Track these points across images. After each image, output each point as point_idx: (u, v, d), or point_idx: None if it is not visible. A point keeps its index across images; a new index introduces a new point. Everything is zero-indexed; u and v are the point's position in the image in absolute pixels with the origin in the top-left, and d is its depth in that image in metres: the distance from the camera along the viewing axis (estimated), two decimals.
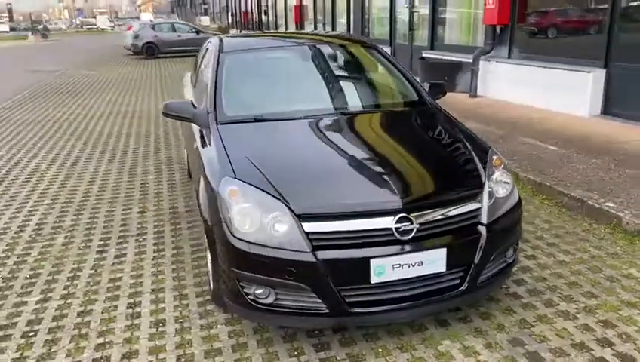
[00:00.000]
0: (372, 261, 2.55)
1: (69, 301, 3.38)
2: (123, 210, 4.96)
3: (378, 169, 2.97)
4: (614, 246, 3.84)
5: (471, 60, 9.34)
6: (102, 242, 4.25)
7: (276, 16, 25.16)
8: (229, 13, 38.29)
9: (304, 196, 2.69)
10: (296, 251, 2.56)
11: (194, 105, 3.67)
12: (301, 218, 2.59)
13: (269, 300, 2.66)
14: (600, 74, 7.10)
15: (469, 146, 3.21)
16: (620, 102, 6.99)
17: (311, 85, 3.98)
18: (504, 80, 8.78)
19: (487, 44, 9.15)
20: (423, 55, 10.80)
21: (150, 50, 23.14)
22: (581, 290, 3.28)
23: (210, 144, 3.30)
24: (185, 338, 2.95)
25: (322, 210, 2.63)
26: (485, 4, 8.81)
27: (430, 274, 2.66)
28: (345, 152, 3.15)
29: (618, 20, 6.88)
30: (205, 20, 47.26)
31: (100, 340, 2.95)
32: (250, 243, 2.62)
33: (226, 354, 2.79)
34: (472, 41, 10.04)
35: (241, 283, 2.69)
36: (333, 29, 16.89)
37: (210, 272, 3.08)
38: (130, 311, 3.24)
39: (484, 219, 2.79)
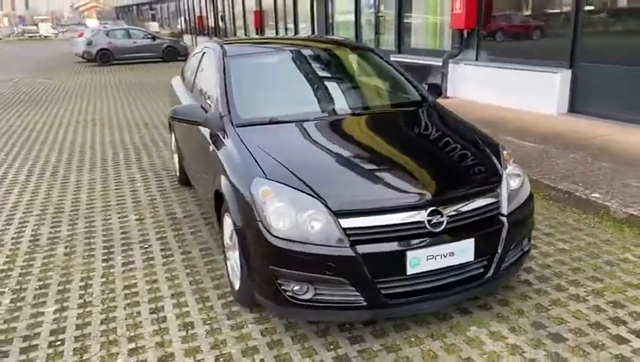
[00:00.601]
0: (408, 253, 2.67)
1: (88, 309, 3.34)
2: (119, 218, 4.90)
3: (403, 165, 3.09)
4: (605, 234, 4.10)
5: (439, 63, 9.64)
6: (105, 250, 4.20)
7: (234, 22, 25.04)
8: (182, 19, 37.79)
9: (339, 193, 2.78)
10: (336, 247, 2.64)
11: (204, 110, 3.69)
12: (338, 214, 2.68)
13: (308, 296, 2.73)
14: (566, 74, 7.49)
15: (480, 142, 3.39)
16: (585, 100, 7.39)
17: (318, 87, 4.08)
18: (473, 81, 9.11)
19: (454, 48, 9.47)
20: (392, 59, 11.03)
21: (105, 57, 22.65)
22: (585, 275, 3.49)
23: (229, 147, 3.34)
24: (218, 338, 2.98)
25: (358, 206, 2.73)
26: (453, 10, 9.13)
27: (459, 264, 2.80)
28: (367, 150, 3.26)
29: (581, 24, 7.27)
30: (154, 26, 46.40)
31: (132, 345, 2.95)
32: (289, 240, 2.68)
33: (263, 352, 2.84)
34: (439, 45, 10.35)
35: (278, 281, 2.75)
36: (296, 33, 16.99)
37: (238, 273, 3.12)
38: (155, 316, 3.24)
39: (504, 210, 2.96)
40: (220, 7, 27.29)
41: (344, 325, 3.03)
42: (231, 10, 25.38)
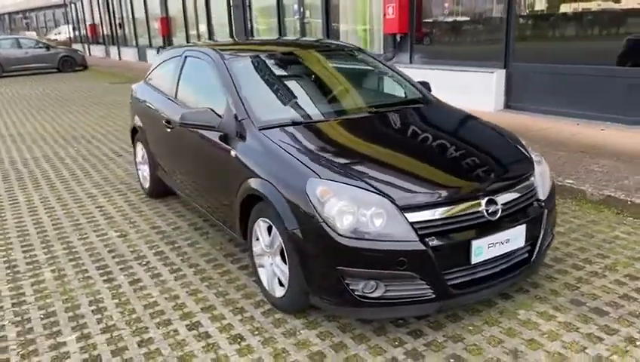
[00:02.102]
0: (473, 242, 2.74)
1: (116, 333, 3.08)
2: (97, 235, 4.54)
3: (447, 158, 3.15)
4: (589, 216, 4.45)
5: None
6: (101, 270, 3.89)
7: (135, 29, 23.92)
8: (71, 27, 35.54)
9: (400, 188, 2.79)
10: (407, 241, 2.65)
11: (219, 115, 3.53)
12: (404, 209, 2.69)
13: (378, 293, 2.71)
14: (501, 73, 8.01)
15: (502, 133, 3.55)
16: (520, 97, 7.95)
17: (324, 87, 4.05)
18: None
19: (388, 52, 9.79)
20: None
21: None
22: (591, 253, 3.77)
23: (257, 150, 3.24)
24: (276, 347, 2.87)
25: (421, 199, 2.76)
26: (385, 15, 9.43)
27: (513, 251, 2.92)
28: (404, 146, 3.29)
29: (514, 27, 7.83)
30: (32, 36, 43.29)
31: None
32: (359, 239, 2.66)
33: (331, 356, 2.77)
34: (369, 49, 10.63)
35: (346, 281, 2.71)
36: (211, 38, 16.62)
37: (284, 279, 3.03)
38: (195, 332, 3.06)
39: (541, 196, 3.13)
40: (117, 14, 25.97)
41: (398, 321, 3.04)
42: (130, 16, 24.24)
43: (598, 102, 6.85)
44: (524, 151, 3.34)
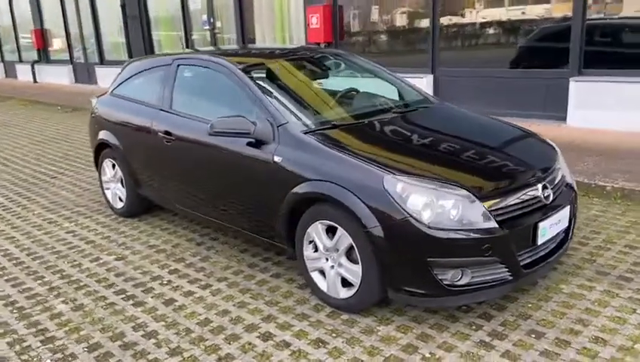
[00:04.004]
0: (539, 225, 3.00)
1: (187, 354, 2.91)
2: (91, 261, 4.19)
3: (496, 150, 3.39)
4: None
5: None
6: (120, 295, 3.61)
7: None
8: None
9: (474, 179, 2.98)
10: (489, 228, 2.84)
11: (253, 122, 3.47)
12: (481, 198, 2.88)
13: (465, 280, 2.86)
14: (430, 78, 8.58)
15: (517, 127, 3.88)
16: (447, 99, 8.50)
17: (342, 91, 4.11)
18: None
19: None
20: None
21: None
22: (586, 231, 4.22)
23: (309, 154, 3.23)
24: (365, 346, 2.90)
25: (494, 188, 2.97)
26: (309, 25, 9.62)
27: (562, 230, 3.23)
28: (453, 141, 3.45)
29: (439, 37, 8.45)
30: None
31: None
32: (447, 230, 2.79)
33: (424, 347, 2.86)
34: None
35: (435, 272, 2.82)
36: (101, 52, 15.63)
37: (354, 278, 3.07)
38: (271, 342, 2.98)
39: (569, 180, 3.48)
40: None
41: (461, 308, 3.20)
42: None
43: (515, 101, 7.64)
44: (545, 140, 3.69)
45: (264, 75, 3.94)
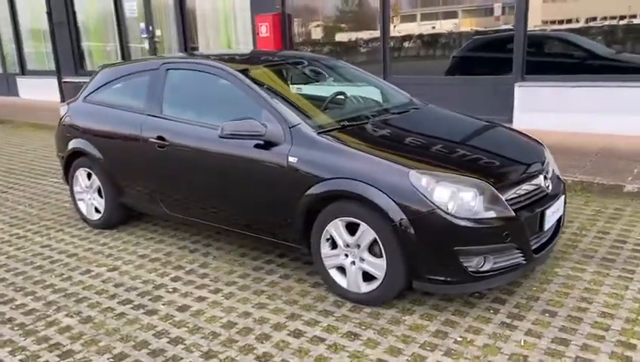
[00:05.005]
0: (546, 212, 3.26)
1: (222, 356, 2.89)
2: (80, 273, 4.01)
3: (500, 145, 3.65)
4: None
5: None
6: (129, 305, 3.50)
7: None
8: None
9: (490, 171, 3.19)
10: (507, 217, 3.05)
11: (263, 124, 3.50)
12: (498, 189, 3.09)
13: (488, 266, 3.06)
14: None
15: (505, 126, 4.16)
16: None
17: (342, 92, 4.20)
18: None
19: None
20: None
21: None
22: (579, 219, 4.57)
23: (327, 154, 3.32)
24: (397, 335, 3.02)
25: (509, 179, 3.20)
26: (258, 33, 9.65)
27: (559, 217, 3.51)
28: (458, 138, 3.66)
29: (389, 47, 8.79)
30: None
31: None
32: (473, 219, 2.98)
33: (452, 333, 3.02)
34: None
35: (461, 259, 2.99)
36: (22, 61, 14.74)
37: (377, 272, 3.18)
38: (304, 338, 3.02)
39: (557, 172, 3.79)
40: None
41: (473, 294, 3.40)
42: None
43: (464, 105, 8.07)
44: (532, 137, 3.99)
45: (268, 79, 3.97)
